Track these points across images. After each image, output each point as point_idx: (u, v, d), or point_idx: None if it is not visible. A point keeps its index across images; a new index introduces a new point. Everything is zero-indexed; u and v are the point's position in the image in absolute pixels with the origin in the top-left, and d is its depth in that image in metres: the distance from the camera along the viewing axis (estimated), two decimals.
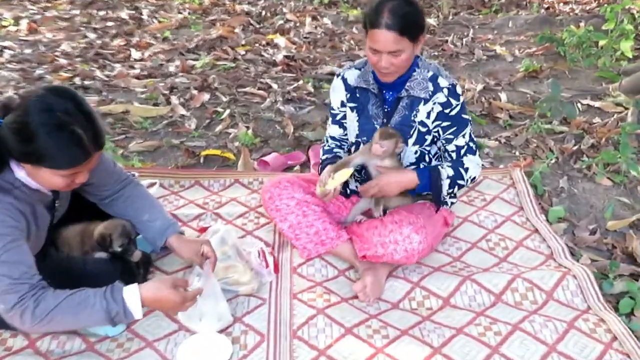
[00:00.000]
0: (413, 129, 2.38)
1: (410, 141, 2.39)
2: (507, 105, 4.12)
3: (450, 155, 2.41)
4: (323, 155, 2.53)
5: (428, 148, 2.44)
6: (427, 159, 2.47)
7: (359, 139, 2.46)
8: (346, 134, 2.54)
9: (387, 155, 2.32)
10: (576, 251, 2.69)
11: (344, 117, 2.50)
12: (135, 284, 1.91)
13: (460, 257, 2.59)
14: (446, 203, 2.59)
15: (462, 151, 2.39)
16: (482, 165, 3.32)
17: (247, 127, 3.72)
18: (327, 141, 2.57)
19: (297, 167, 3.33)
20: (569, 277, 2.42)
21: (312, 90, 4.31)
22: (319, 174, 2.49)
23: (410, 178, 2.33)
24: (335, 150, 2.54)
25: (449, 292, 2.36)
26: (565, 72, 4.65)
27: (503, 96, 4.27)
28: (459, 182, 2.38)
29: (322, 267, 2.48)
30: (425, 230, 2.32)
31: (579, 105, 4.11)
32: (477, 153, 2.43)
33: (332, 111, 2.52)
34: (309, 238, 2.48)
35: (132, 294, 1.88)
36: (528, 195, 3.04)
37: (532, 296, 2.35)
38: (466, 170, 2.38)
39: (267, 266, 2.42)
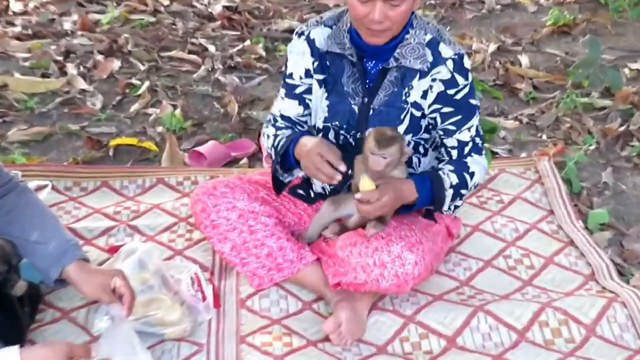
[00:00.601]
0: (404, 112, 2.37)
1: (401, 128, 2.38)
2: (529, 72, 4.14)
3: (448, 153, 2.43)
4: (277, 131, 2.47)
5: (425, 136, 2.44)
6: (421, 150, 2.47)
7: (329, 124, 2.44)
8: (306, 115, 2.53)
9: (392, 167, 2.30)
10: (625, 269, 2.72)
11: (308, 91, 2.48)
12: (16, 348, 1.85)
13: (469, 281, 2.60)
14: (449, 208, 2.59)
15: (466, 149, 2.41)
16: (497, 154, 3.38)
17: (174, 106, 3.68)
18: (275, 120, 2.54)
19: (245, 161, 3.31)
20: (617, 305, 2.44)
21: (263, 53, 4.28)
22: (274, 170, 2.48)
23: (408, 191, 2.33)
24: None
25: (454, 329, 2.36)
26: (606, 27, 4.71)
27: (524, 59, 4.30)
28: (462, 191, 2.40)
29: (281, 299, 2.47)
30: (423, 246, 2.32)
31: (625, 70, 4.17)
32: (484, 152, 2.45)
33: (290, 81, 2.49)
34: (260, 262, 2.46)
35: None
36: (560, 194, 3.06)
37: (567, 332, 2.36)
38: (472, 175, 2.40)
39: (203, 299, 2.39)
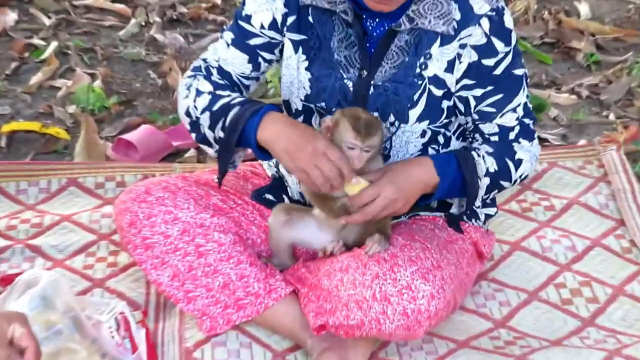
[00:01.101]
0: (419, 91, 2.37)
1: (414, 114, 2.38)
2: (591, 26, 4.15)
3: (486, 140, 2.44)
4: (215, 89, 2.42)
5: (446, 121, 2.44)
6: (441, 140, 2.48)
7: (311, 105, 2.44)
8: (253, 79, 2.53)
9: (371, 159, 2.31)
10: None
11: (268, 47, 2.48)
12: None
13: (507, 320, 2.60)
14: (477, 216, 2.60)
15: (512, 135, 2.42)
16: (546, 141, 3.38)
17: (93, 76, 3.70)
18: (209, 72, 2.49)
19: (192, 153, 3.32)
20: None
21: (217, 1, 4.31)
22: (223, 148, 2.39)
23: (423, 175, 2.33)
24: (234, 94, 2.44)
25: None
26: None
27: (583, 8, 4.31)
28: (503, 183, 2.41)
29: (242, 348, 2.45)
30: (442, 272, 2.31)
31: None
32: (536, 135, 2.47)
33: (244, 25, 2.46)
34: (213, 296, 2.44)
35: None
36: (633, 196, 3.07)
37: None
38: (517, 164, 2.41)
39: (133, 349, 2.39)
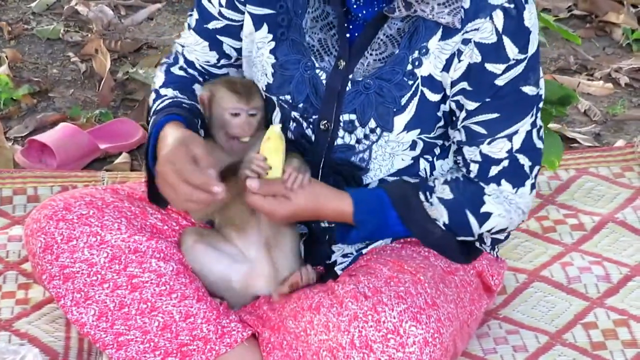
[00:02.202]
0: (408, 93, 2.39)
1: (400, 121, 2.40)
2: None
3: (466, 165, 2.45)
4: (165, 85, 2.51)
5: (442, 130, 2.46)
6: (437, 151, 2.50)
7: (273, 97, 2.46)
8: (225, 67, 2.58)
9: (258, 127, 2.40)
10: None
11: (230, 31, 2.52)
12: None
13: None
14: (481, 239, 2.59)
15: (494, 170, 2.42)
16: (574, 142, 3.38)
17: None
18: (175, 60, 2.58)
19: (124, 159, 3.34)
20: None
21: None
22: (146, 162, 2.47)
23: (334, 206, 2.38)
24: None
25: None
26: None
27: None
28: (462, 237, 2.47)
29: None
30: (439, 311, 2.32)
31: None
32: (534, 182, 2.46)
33: (204, 2, 2.52)
34: (150, 342, 2.44)
35: None
36: None
37: None
38: (483, 219, 2.42)
39: None
